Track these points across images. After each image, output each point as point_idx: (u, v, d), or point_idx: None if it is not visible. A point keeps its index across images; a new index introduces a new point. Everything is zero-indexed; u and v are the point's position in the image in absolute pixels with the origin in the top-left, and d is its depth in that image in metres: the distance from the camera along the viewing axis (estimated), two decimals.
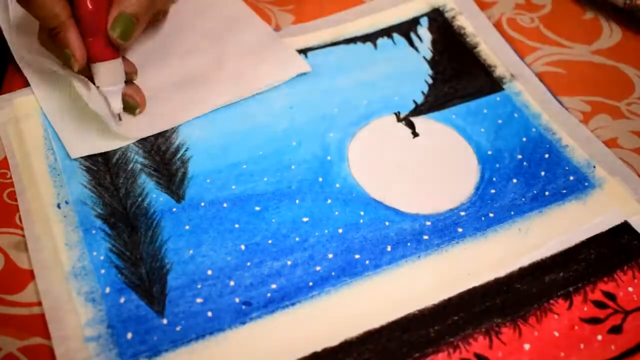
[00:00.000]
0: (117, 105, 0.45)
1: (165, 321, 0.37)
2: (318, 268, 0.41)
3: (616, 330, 0.39)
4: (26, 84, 0.49)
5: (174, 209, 0.43)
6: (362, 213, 0.44)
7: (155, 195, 0.43)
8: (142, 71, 0.49)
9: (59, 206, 0.42)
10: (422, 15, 0.58)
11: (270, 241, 0.42)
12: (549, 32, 0.59)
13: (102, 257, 0.40)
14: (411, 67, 0.54)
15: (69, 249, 0.40)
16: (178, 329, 0.37)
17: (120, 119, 0.45)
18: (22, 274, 0.39)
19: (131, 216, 0.42)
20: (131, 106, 0.46)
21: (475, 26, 0.57)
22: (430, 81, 0.53)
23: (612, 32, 0.60)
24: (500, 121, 0.50)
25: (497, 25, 0.59)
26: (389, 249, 0.42)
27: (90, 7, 0.42)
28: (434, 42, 0.56)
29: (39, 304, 0.38)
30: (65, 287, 0.38)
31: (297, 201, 0.44)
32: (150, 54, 0.51)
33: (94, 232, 0.41)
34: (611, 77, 0.55)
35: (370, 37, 0.56)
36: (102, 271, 0.39)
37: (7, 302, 0.38)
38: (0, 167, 0.45)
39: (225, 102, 0.49)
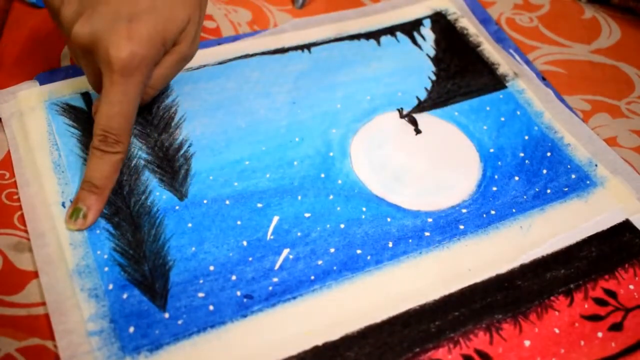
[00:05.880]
0: None
1: (167, 315, 0.38)
2: (320, 262, 0.41)
3: (616, 327, 0.39)
4: (30, 76, 0.49)
5: (177, 207, 0.43)
6: (364, 209, 0.44)
7: (158, 193, 0.43)
8: None
9: (63, 205, 0.42)
10: (425, 18, 0.58)
11: (272, 236, 0.42)
12: (548, 32, 0.59)
13: (105, 256, 0.40)
14: (414, 64, 0.54)
15: (74, 248, 0.40)
16: (180, 322, 0.37)
17: None
18: (21, 274, 0.39)
19: (135, 215, 0.42)
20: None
21: (477, 28, 0.57)
22: (433, 78, 0.53)
23: (611, 31, 0.60)
24: (502, 119, 0.50)
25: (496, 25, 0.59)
26: (390, 244, 0.42)
27: None
28: (437, 41, 0.56)
29: (38, 304, 0.38)
30: (69, 284, 0.38)
31: (299, 197, 0.44)
32: None
33: (98, 231, 0.41)
34: (611, 76, 0.56)
35: (374, 35, 0.56)
36: (106, 269, 0.39)
37: (5, 303, 0.38)
38: (0, 168, 0.44)
39: None
